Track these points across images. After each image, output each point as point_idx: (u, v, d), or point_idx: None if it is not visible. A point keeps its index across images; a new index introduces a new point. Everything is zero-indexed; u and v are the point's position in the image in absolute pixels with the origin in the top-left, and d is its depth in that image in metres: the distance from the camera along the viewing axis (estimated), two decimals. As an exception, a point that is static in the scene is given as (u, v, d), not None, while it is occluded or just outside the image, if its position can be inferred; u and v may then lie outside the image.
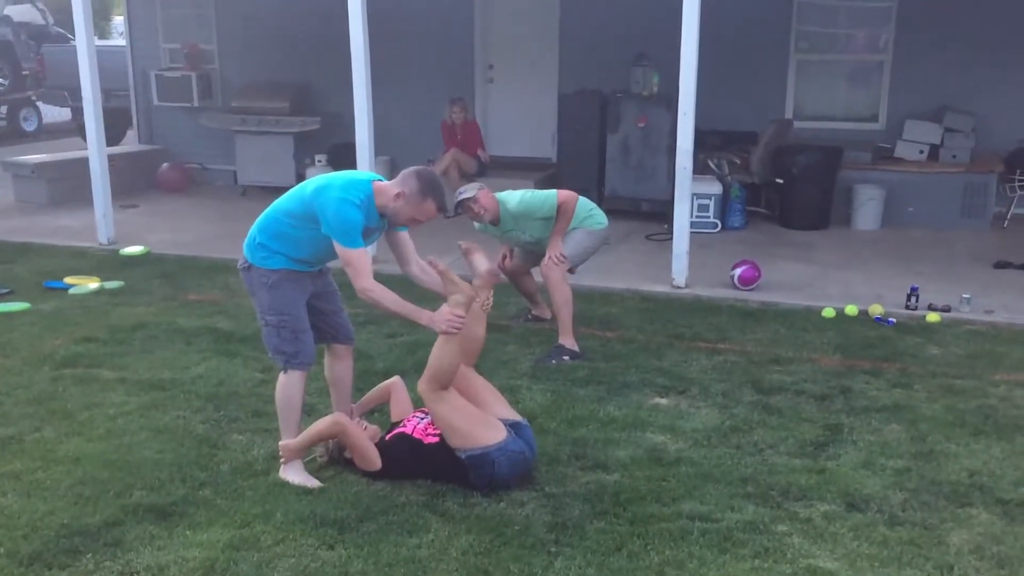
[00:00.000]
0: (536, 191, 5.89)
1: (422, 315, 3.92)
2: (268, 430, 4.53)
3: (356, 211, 3.85)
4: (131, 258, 8.08)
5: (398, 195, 3.94)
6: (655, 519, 3.72)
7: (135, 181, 10.95)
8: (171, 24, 11.92)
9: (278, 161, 10.84)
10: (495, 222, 5.80)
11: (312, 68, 10.89)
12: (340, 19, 7.57)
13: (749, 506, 3.84)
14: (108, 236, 8.54)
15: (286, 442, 4.09)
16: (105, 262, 7.94)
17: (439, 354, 3.90)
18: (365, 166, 7.78)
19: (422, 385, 3.92)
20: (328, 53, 9.64)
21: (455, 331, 3.87)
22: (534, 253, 6.03)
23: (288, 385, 4.13)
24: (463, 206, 5.68)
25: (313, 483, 4.01)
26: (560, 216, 5.72)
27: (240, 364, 5.46)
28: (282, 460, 4.09)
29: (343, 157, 9.72)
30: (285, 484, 4.00)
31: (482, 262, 4.39)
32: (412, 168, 4.05)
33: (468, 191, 5.69)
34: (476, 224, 5.94)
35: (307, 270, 4.12)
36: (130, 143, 13.30)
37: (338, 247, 3.87)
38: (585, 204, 5.93)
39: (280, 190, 4.24)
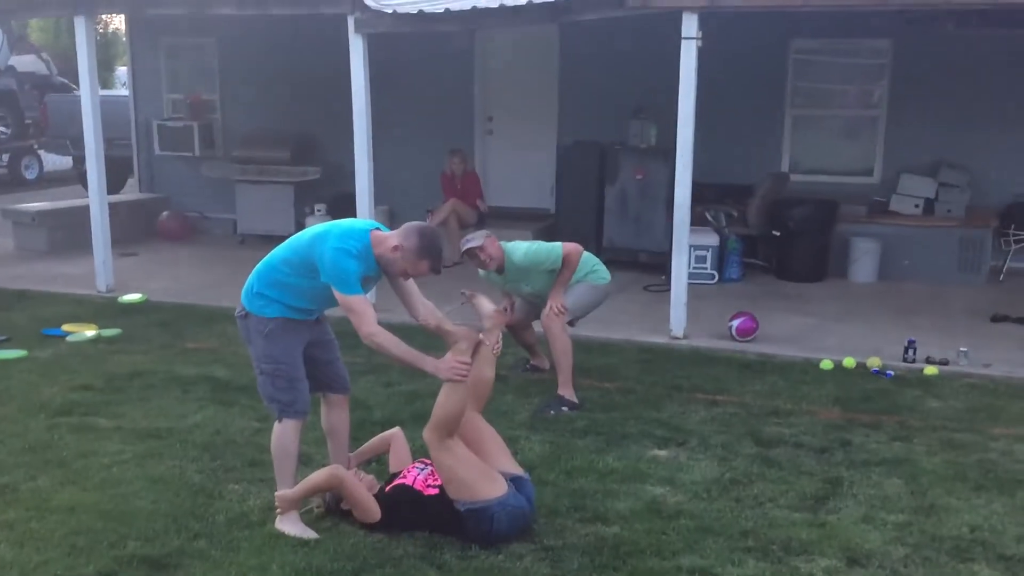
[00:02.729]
0: (542, 243, 5.91)
1: (427, 362, 3.91)
2: (264, 480, 4.49)
3: (353, 261, 3.88)
4: (129, 306, 8.09)
5: (396, 248, 3.96)
6: (654, 573, 3.69)
7: (135, 229, 11.00)
8: (174, 75, 12.08)
9: (278, 210, 10.90)
10: (500, 271, 5.82)
11: (313, 118, 11.01)
12: (342, 70, 7.68)
13: (750, 561, 3.81)
14: (107, 284, 8.55)
15: (282, 493, 4.06)
16: (103, 309, 7.94)
17: (444, 401, 3.88)
18: (365, 215, 7.83)
19: (427, 433, 3.90)
20: (329, 104, 9.76)
21: (460, 379, 3.86)
22: (535, 305, 6.04)
23: (283, 434, 4.11)
24: (469, 254, 5.69)
25: (310, 534, 3.97)
26: (564, 268, 5.75)
27: (237, 413, 5.44)
28: (278, 511, 4.06)
29: (343, 207, 9.76)
30: (281, 535, 3.96)
31: (487, 305, 4.41)
32: (415, 224, 4.06)
33: (476, 239, 5.70)
34: (480, 271, 5.96)
35: (304, 318, 4.12)
36: (131, 191, 13.38)
37: (338, 295, 3.88)
38: (589, 258, 5.97)
39: (280, 239, 4.26)
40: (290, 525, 4.01)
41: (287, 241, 4.14)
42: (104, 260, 8.57)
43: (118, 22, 25.87)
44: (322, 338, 4.26)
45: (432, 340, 4.24)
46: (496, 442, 4.12)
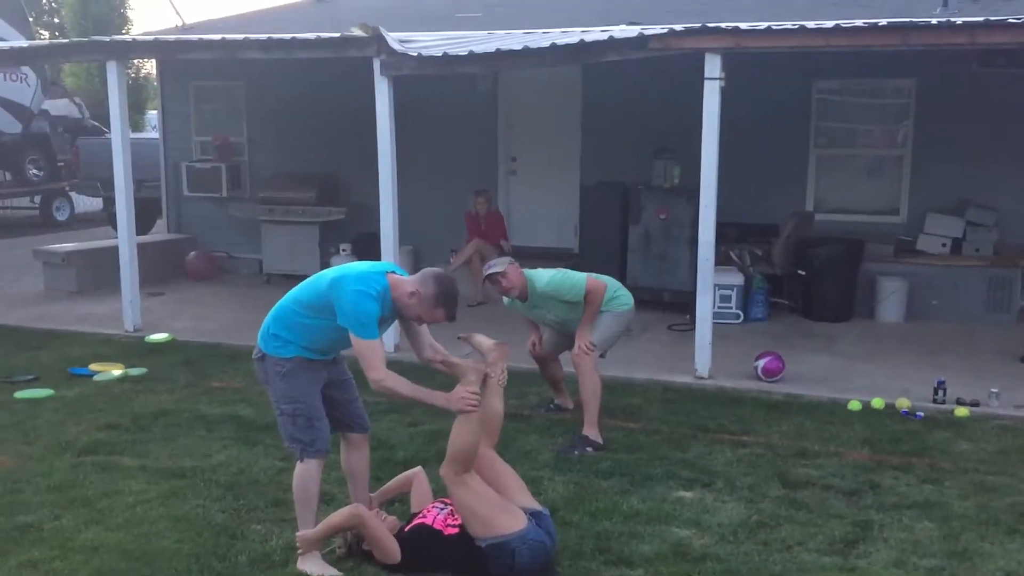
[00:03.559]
0: (567, 272, 5.89)
1: (437, 397, 3.94)
2: (287, 520, 4.48)
3: (373, 303, 3.89)
4: (156, 345, 8.15)
5: (412, 294, 3.97)
6: (680, 617, 3.62)
7: (163, 269, 11.12)
8: (203, 117, 12.28)
9: (303, 250, 11.00)
10: (523, 298, 5.80)
11: (338, 159, 11.13)
12: (367, 111, 7.77)
13: (778, 605, 3.73)
14: (134, 323, 8.63)
15: (304, 533, 4.05)
16: (130, 349, 8.00)
17: (458, 435, 3.89)
18: (389, 256, 7.87)
19: (444, 469, 3.89)
20: (354, 144, 9.86)
21: (472, 409, 3.88)
22: (562, 334, 6.02)
23: (305, 474, 4.10)
24: (491, 279, 5.69)
25: (332, 572, 3.94)
26: (588, 305, 5.73)
27: (261, 452, 5.44)
28: (299, 551, 4.04)
29: (368, 246, 9.84)
30: (303, 576, 3.93)
31: (486, 340, 4.41)
32: (432, 271, 4.09)
33: (498, 265, 5.70)
34: (504, 299, 5.95)
35: (321, 359, 4.13)
36: (160, 232, 13.54)
37: (353, 338, 3.89)
38: (610, 284, 5.94)
39: (305, 278, 4.29)
40: (311, 565, 3.99)
41: (303, 283, 4.17)
42: (132, 300, 8.65)
43: (149, 67, 26.42)
44: (340, 377, 4.27)
45: (448, 381, 4.23)
46: (512, 477, 4.10)
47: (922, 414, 6.18)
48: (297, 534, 4.08)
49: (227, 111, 12.11)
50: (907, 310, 9.01)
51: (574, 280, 5.77)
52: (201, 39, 8.80)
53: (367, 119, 7.79)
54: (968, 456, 5.47)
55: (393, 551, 3.95)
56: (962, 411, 6.19)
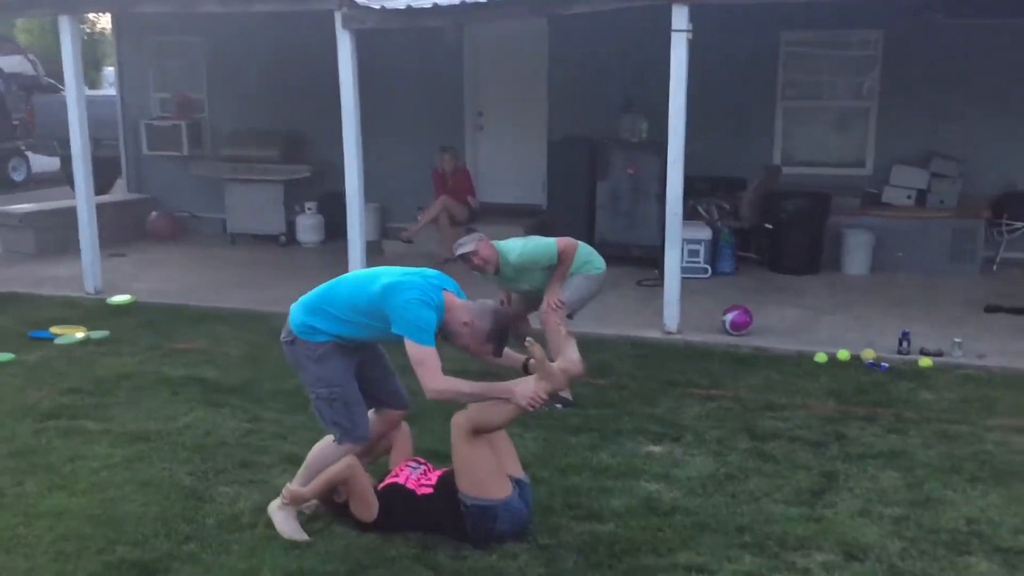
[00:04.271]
0: (536, 240, 5.82)
1: (502, 389, 3.80)
2: (255, 481, 4.45)
3: (432, 312, 3.77)
4: (118, 307, 8.01)
5: (466, 324, 3.83)
6: (650, 570, 3.65)
7: (124, 230, 10.92)
8: (162, 74, 11.99)
9: (268, 209, 10.84)
10: (496, 272, 5.75)
11: (302, 116, 10.94)
12: (330, 68, 7.62)
13: (746, 556, 3.77)
14: (95, 285, 8.47)
15: (297, 488, 3.98)
16: (92, 311, 7.87)
17: (496, 413, 3.81)
18: (355, 214, 7.78)
19: (461, 421, 3.80)
20: (318, 101, 9.68)
21: (533, 409, 3.81)
22: (533, 299, 5.99)
23: (333, 452, 4.00)
24: (463, 259, 5.63)
25: (302, 536, 3.92)
26: (560, 263, 5.69)
27: (227, 414, 5.39)
28: (284, 501, 3.98)
29: (333, 205, 9.72)
30: (273, 537, 3.90)
31: (554, 367, 4.11)
32: (491, 306, 3.91)
33: (468, 244, 5.62)
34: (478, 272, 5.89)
35: (354, 346, 4.03)
36: (119, 192, 13.29)
37: (411, 345, 3.72)
38: (583, 249, 5.89)
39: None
40: (285, 521, 3.95)
41: (346, 280, 4.00)
42: (92, 262, 8.49)
43: (105, 22, 25.75)
44: (372, 354, 4.13)
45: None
46: (506, 442, 4.05)
47: (887, 365, 6.24)
48: (289, 485, 4.01)
49: (187, 67, 11.83)
50: (873, 262, 9.08)
51: (545, 245, 5.72)
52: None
53: (331, 75, 7.64)
54: (931, 406, 5.55)
55: (373, 507, 3.92)
56: (926, 361, 6.27)
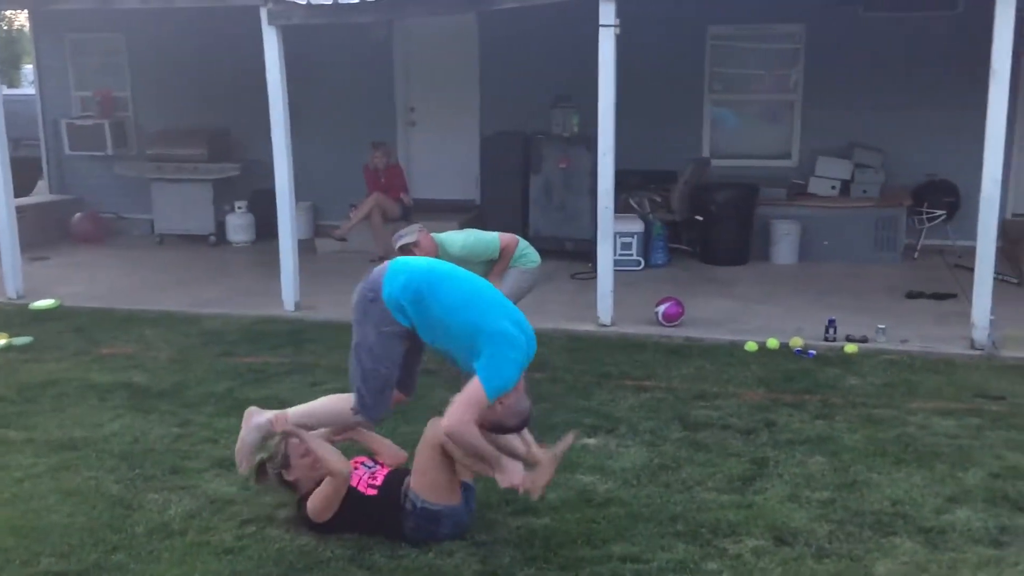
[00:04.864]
0: (478, 234, 5.81)
1: (502, 464, 3.76)
2: (185, 487, 4.37)
3: (517, 375, 3.71)
4: (41, 312, 7.79)
5: (507, 397, 3.73)
6: (586, 562, 3.68)
7: (46, 232, 10.62)
8: (82, 72, 11.68)
9: (197, 209, 10.63)
10: None
11: (230, 114, 10.76)
12: (257, 64, 7.50)
13: (679, 545, 3.82)
14: (17, 290, 8.22)
15: (295, 413, 3.96)
16: (14, 317, 7.63)
17: (483, 444, 3.69)
18: (285, 212, 7.67)
19: (445, 430, 3.65)
20: (246, 98, 9.53)
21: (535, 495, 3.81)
22: None
23: (344, 418, 4.00)
24: (404, 251, 5.58)
25: (248, 466, 3.93)
26: (500, 259, 5.70)
27: (156, 420, 5.28)
28: (268, 419, 3.93)
29: (264, 204, 9.58)
30: (204, 544, 3.84)
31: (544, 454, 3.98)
32: (527, 400, 3.81)
33: (409, 235, 5.58)
34: None
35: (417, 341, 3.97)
36: (41, 193, 12.91)
37: (478, 387, 3.62)
38: (520, 244, 5.91)
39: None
40: (252, 432, 3.93)
41: (463, 288, 3.86)
42: (13, 265, 8.23)
43: (23, 19, 24.94)
44: (420, 344, 4.04)
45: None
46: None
47: (814, 352, 6.39)
48: (290, 410, 3.96)
49: (108, 64, 11.54)
50: (800, 252, 9.27)
51: (488, 240, 5.72)
52: (74, -12, 8.31)
53: (258, 71, 7.51)
54: (857, 391, 5.69)
55: (333, 508, 3.82)
56: (851, 347, 6.43)
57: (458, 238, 5.73)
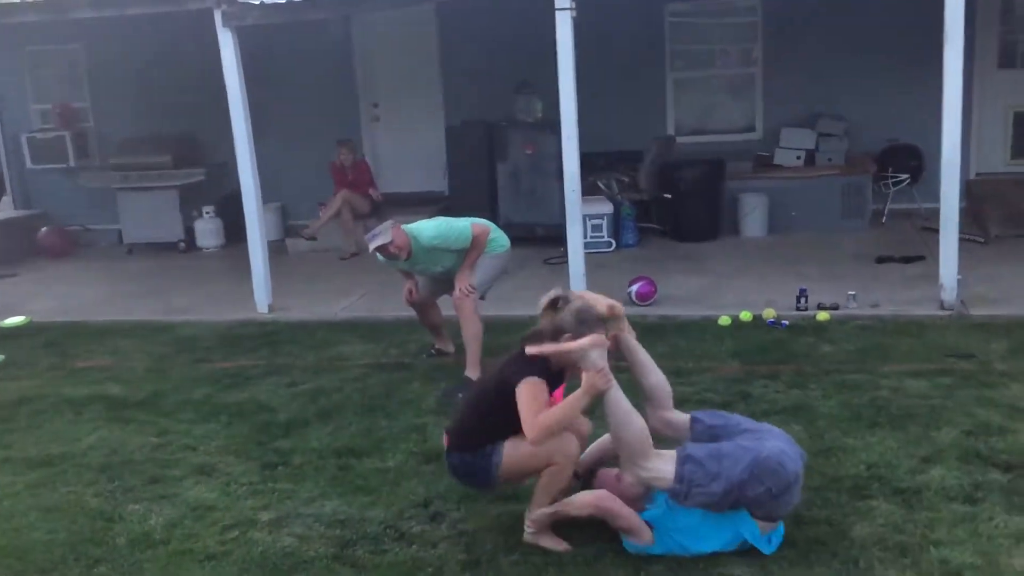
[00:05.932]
0: (449, 222, 5.80)
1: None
2: (166, 496, 4.36)
3: None
4: (12, 329, 7.72)
5: None
6: (569, 543, 3.70)
7: (13, 249, 10.52)
8: (41, 84, 11.55)
9: (164, 216, 10.54)
10: (408, 257, 5.71)
11: (193, 118, 10.66)
12: (217, 67, 7.44)
13: (660, 521, 3.85)
14: (-14, 309, 8.15)
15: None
16: (-16, 336, 7.57)
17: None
18: (253, 215, 7.64)
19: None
20: (208, 102, 9.42)
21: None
22: (440, 281, 5.98)
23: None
24: (381, 251, 5.57)
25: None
26: (473, 248, 5.69)
27: (134, 430, 5.25)
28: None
29: (232, 207, 9.50)
30: (187, 552, 3.83)
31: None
32: None
33: (382, 234, 5.53)
34: (379, 257, 5.81)
35: None
36: (5, 209, 12.74)
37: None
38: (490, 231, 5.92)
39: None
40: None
41: None
42: (-20, 284, 8.16)
43: (-23, 33, 24.58)
44: None
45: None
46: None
47: (787, 323, 6.45)
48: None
49: (67, 76, 11.43)
50: (769, 224, 9.34)
51: (459, 228, 5.71)
52: (26, 0, 8.19)
53: (218, 75, 7.46)
54: (830, 358, 5.75)
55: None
56: (823, 315, 6.49)
57: (429, 227, 5.72)
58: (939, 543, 3.56)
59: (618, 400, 3.68)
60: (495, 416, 3.70)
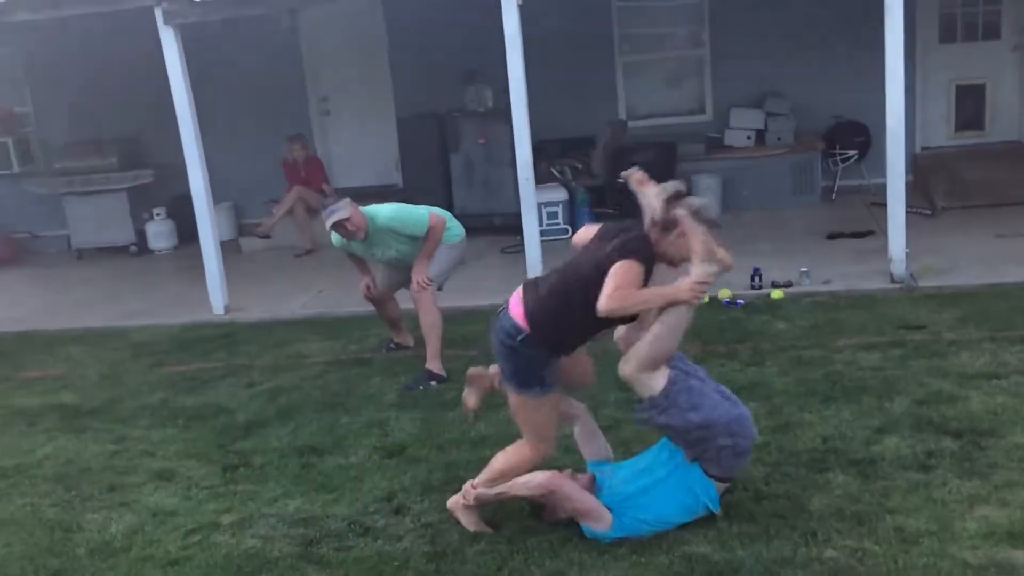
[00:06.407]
0: (407, 207, 5.79)
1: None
2: (125, 503, 4.31)
3: None
4: (-39, 342, 7.56)
5: None
6: (532, 533, 3.72)
7: (-42, 259, 10.28)
8: (-21, 90, 11.28)
9: (114, 220, 10.36)
10: (364, 237, 5.66)
11: (138, 120, 10.47)
12: (160, 67, 7.32)
13: (623, 504, 3.89)
14: (-68, 322, 7.96)
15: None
16: (-69, 350, 7.40)
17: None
18: (204, 215, 7.55)
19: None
20: (153, 102, 9.27)
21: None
22: (397, 271, 5.94)
23: None
24: (337, 227, 5.51)
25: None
26: (428, 239, 5.68)
27: (90, 439, 5.18)
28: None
29: (183, 208, 9.37)
30: (148, 559, 3.79)
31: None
32: None
33: (341, 210, 5.49)
34: (334, 241, 5.77)
35: None
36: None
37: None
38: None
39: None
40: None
41: None
42: (-75, 297, 7.97)
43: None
44: None
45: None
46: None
47: (743, 302, 6.52)
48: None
49: (6, 80, 11.15)
50: (722, 204, 9.38)
51: (417, 215, 5.69)
52: (-41, 4, 7.99)
53: (162, 74, 7.34)
54: (785, 335, 5.83)
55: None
56: (777, 293, 6.57)
57: (387, 209, 5.72)
58: (895, 511, 3.63)
59: (683, 317, 3.58)
60: (576, 299, 3.62)
